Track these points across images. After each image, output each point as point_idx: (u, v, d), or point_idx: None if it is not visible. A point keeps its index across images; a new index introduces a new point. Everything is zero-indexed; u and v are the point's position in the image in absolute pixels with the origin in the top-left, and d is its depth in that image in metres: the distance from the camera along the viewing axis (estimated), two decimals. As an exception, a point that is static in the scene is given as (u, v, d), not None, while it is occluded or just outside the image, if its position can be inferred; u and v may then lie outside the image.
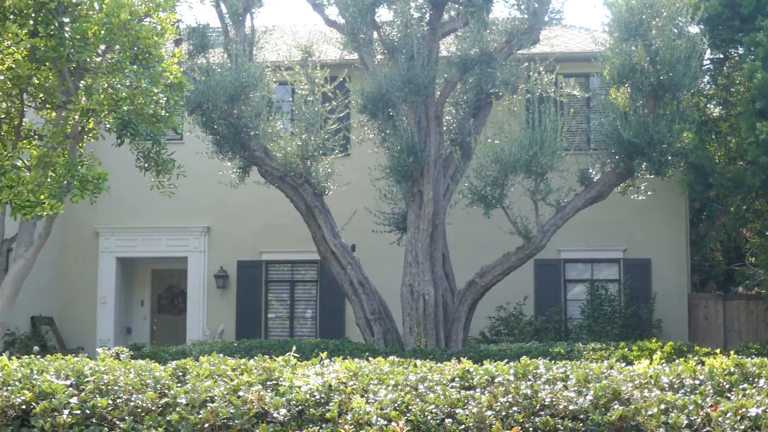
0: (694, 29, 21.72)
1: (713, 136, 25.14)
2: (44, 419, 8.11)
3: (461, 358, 9.60)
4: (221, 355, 9.81)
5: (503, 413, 7.90)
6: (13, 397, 8.39)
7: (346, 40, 21.87)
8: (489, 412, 7.88)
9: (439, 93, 21.65)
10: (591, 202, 21.43)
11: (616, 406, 7.87)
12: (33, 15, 15.66)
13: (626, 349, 18.28)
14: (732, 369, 8.67)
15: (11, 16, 15.67)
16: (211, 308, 27.92)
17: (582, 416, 7.84)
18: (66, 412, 8.17)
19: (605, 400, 7.96)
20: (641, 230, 26.42)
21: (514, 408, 7.97)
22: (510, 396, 8.13)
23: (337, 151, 22.92)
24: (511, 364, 8.90)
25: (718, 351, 13.18)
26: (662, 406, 7.84)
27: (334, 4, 22.19)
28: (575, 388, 8.27)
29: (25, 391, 8.45)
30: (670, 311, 25.91)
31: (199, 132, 22.47)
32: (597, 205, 21.94)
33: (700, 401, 7.87)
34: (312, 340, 22.49)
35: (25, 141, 17.82)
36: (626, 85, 20.59)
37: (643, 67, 20.17)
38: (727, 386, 8.40)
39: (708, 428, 7.64)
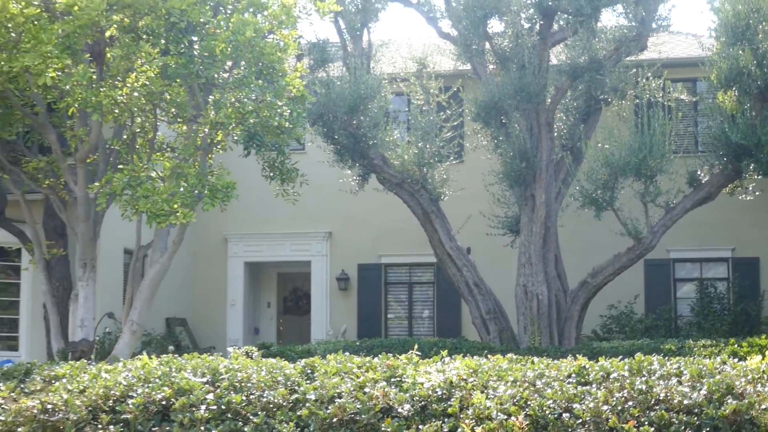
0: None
1: (821, 137, 25.00)
2: (183, 414, 8.32)
3: (576, 355, 9.60)
4: (346, 353, 9.88)
5: (619, 408, 7.95)
6: (154, 393, 8.62)
7: (459, 51, 22.20)
8: (605, 407, 7.94)
9: (549, 100, 21.78)
10: (699, 203, 21.35)
11: (729, 401, 7.88)
12: (164, 35, 15.96)
13: (736, 346, 18.20)
14: None
15: (144, 36, 16.02)
16: (334, 309, 28.55)
17: (696, 410, 7.88)
18: (203, 407, 8.37)
19: (719, 395, 7.98)
20: (749, 230, 26.27)
21: (630, 403, 8.01)
22: (625, 391, 8.17)
23: (451, 157, 23.16)
24: (626, 360, 8.87)
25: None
26: (776, 401, 7.93)
27: (447, 17, 22.45)
28: (689, 383, 8.27)
29: (165, 388, 8.68)
30: (778, 309, 25.81)
31: (320, 142, 22.76)
32: (705, 206, 21.80)
33: (814, 395, 7.84)
34: (430, 339, 22.89)
35: (158, 153, 18.41)
36: (733, 88, 20.46)
37: (750, 70, 20.05)
38: (839, 380, 8.38)
39: (822, 422, 7.67)
